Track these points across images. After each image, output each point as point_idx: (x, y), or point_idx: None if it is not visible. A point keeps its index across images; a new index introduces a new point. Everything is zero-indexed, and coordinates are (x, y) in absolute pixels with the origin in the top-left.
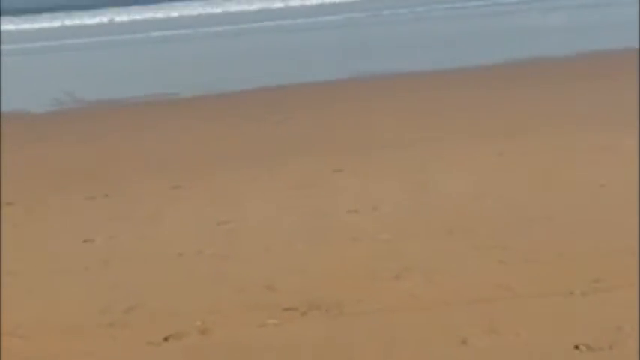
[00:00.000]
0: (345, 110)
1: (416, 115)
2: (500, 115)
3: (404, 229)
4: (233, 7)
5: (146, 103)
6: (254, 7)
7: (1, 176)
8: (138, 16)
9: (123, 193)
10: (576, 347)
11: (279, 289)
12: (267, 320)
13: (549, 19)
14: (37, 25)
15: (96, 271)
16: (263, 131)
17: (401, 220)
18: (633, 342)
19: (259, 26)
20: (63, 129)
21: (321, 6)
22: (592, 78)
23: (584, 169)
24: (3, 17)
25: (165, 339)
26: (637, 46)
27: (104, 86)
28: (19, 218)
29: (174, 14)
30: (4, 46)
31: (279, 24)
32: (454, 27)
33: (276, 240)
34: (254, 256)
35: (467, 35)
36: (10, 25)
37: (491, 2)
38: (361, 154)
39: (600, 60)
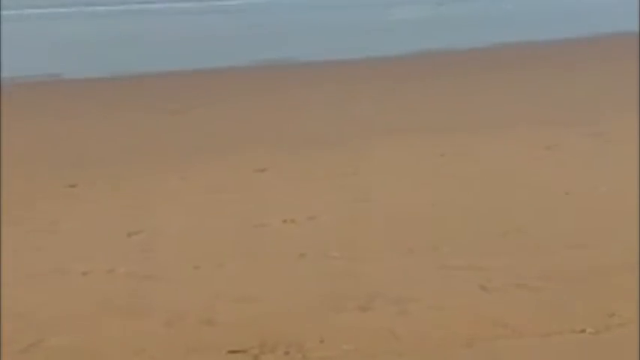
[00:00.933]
0: (259, 101)
1: (343, 108)
2: (438, 108)
3: (354, 244)
4: None
5: (24, 84)
6: None
7: None
8: None
9: (3, 192)
10: None
11: (220, 323)
12: None
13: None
14: None
15: None
16: (161, 122)
17: (347, 232)
18: None
19: (153, 7)
20: None
21: None
22: (524, 66)
23: (538, 172)
24: None
25: None
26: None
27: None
28: None
29: None
30: None
31: (181, 6)
32: (390, 13)
33: (205, 256)
34: (181, 277)
35: (403, 21)
36: None
37: None
38: (284, 152)
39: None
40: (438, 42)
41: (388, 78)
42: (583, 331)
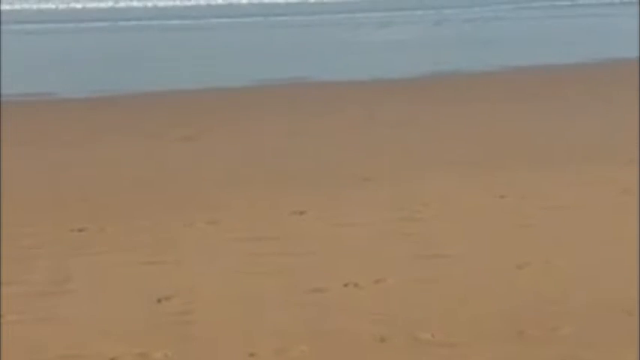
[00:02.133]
0: (276, 125)
1: (373, 136)
2: (479, 139)
3: (444, 320)
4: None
5: (16, 103)
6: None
7: None
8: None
9: (3, 238)
10: None
11: None
12: None
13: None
14: None
15: None
16: (171, 150)
17: (428, 302)
18: None
19: (157, 24)
20: None
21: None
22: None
23: (625, 222)
24: None
25: None
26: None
27: None
28: None
29: (52, 6)
30: None
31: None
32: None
33: (258, 336)
34: None
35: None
36: None
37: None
38: (324, 190)
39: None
40: (438, 64)
41: (404, 102)
42: None
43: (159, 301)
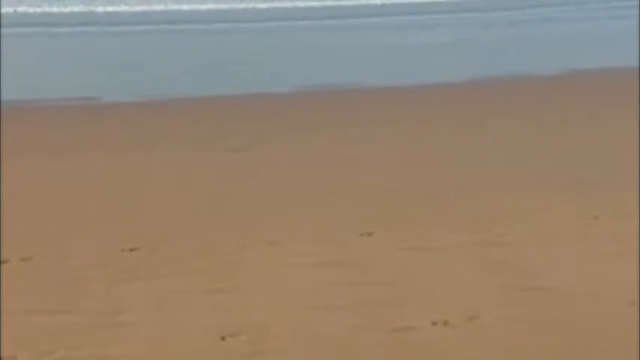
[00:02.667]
0: (339, 135)
1: (455, 150)
2: (571, 150)
3: None
4: (171, 5)
5: (61, 108)
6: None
7: None
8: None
9: (51, 257)
10: None
11: None
12: None
13: None
14: None
15: None
16: (221, 163)
17: (535, 346)
18: None
19: (178, 28)
20: None
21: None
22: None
23: None
24: None
25: None
26: None
27: (13, 85)
28: None
29: (99, 9)
30: None
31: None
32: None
33: None
34: None
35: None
36: None
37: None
38: (392, 209)
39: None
40: (490, 67)
41: (462, 107)
42: None
43: (223, 338)
